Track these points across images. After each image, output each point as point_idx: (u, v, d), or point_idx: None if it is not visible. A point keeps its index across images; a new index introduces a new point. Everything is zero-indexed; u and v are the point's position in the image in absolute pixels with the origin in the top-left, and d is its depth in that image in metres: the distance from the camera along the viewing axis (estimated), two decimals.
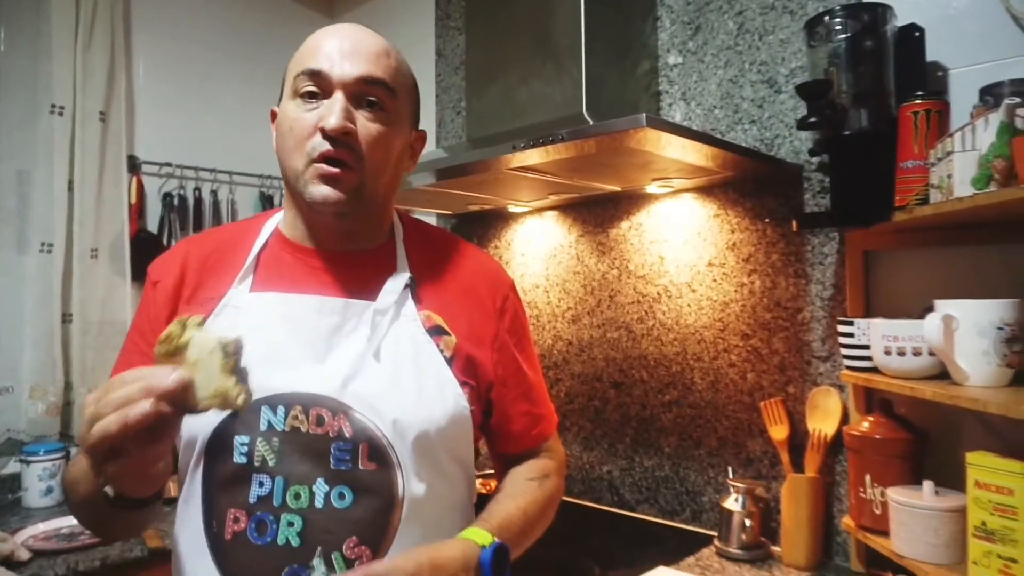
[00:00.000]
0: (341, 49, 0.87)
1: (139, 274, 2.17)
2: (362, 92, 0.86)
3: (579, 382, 1.89)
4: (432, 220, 2.22)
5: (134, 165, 2.19)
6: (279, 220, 0.98)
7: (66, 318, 2.01)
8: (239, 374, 0.67)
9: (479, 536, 0.82)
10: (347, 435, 0.83)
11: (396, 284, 0.92)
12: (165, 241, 2.26)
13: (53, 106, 1.96)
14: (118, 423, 0.62)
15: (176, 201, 2.29)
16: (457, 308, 0.95)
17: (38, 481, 1.86)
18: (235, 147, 2.44)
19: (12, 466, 1.95)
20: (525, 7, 1.67)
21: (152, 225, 2.26)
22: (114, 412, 0.62)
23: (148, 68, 2.26)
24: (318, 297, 0.90)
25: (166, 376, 0.64)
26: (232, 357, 0.67)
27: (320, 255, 0.93)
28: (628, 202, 1.79)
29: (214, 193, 2.38)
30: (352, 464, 0.82)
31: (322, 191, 0.84)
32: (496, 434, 0.99)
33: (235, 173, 2.42)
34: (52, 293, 1.97)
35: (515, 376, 0.98)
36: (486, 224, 2.12)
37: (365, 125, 0.86)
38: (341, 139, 0.83)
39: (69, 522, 1.69)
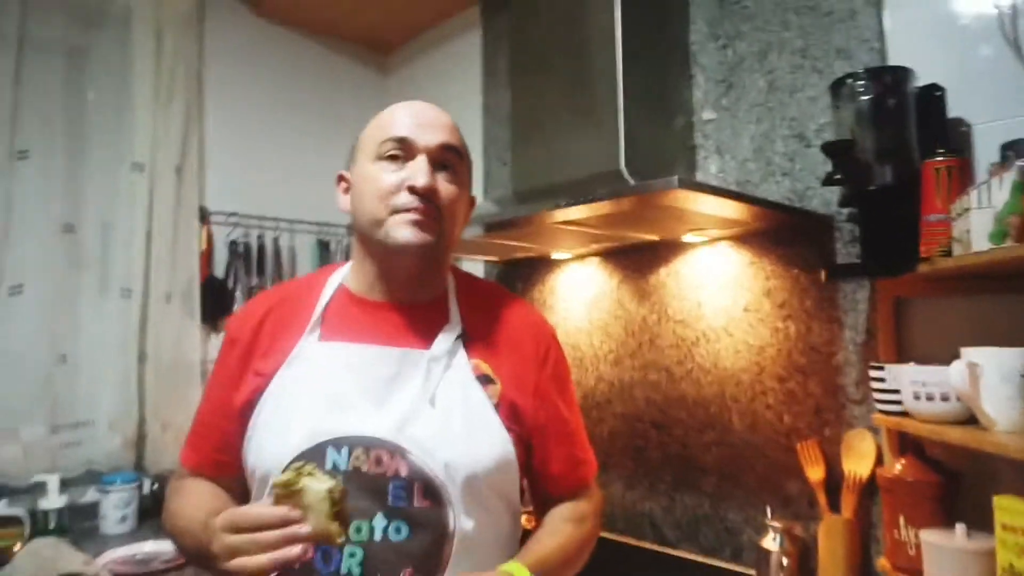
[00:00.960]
0: (420, 121, 1.00)
1: (208, 317, 2.34)
2: (440, 158, 0.99)
3: (621, 422, 1.96)
4: (480, 266, 2.33)
5: (204, 215, 2.37)
6: (343, 275, 1.09)
7: (142, 357, 2.17)
8: (342, 517, 0.81)
9: (519, 571, 0.89)
10: (403, 475, 0.91)
11: (449, 335, 1.01)
12: (231, 285, 2.42)
13: (135, 163, 2.16)
14: (270, 562, 0.76)
15: (241, 248, 2.46)
16: (503, 357, 1.03)
17: (114, 509, 1.99)
18: (294, 196, 2.60)
19: (90, 495, 2.09)
20: (565, 66, 1.79)
21: (219, 270, 2.42)
22: (264, 552, 0.77)
23: (216, 124, 2.45)
24: (379, 347, 0.99)
25: (302, 530, 0.78)
26: (338, 505, 0.80)
27: (381, 308, 1.02)
28: (666, 250, 1.87)
29: (275, 240, 2.54)
30: (408, 501, 0.91)
31: (408, 234, 0.95)
32: (537, 476, 1.06)
33: (294, 221, 2.58)
34: (130, 334, 2.13)
35: (556, 422, 1.05)
36: (531, 270, 2.23)
37: (444, 185, 0.98)
38: (427, 196, 0.95)
39: (144, 548, 1.83)
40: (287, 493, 0.80)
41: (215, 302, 2.37)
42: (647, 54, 1.72)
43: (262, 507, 0.80)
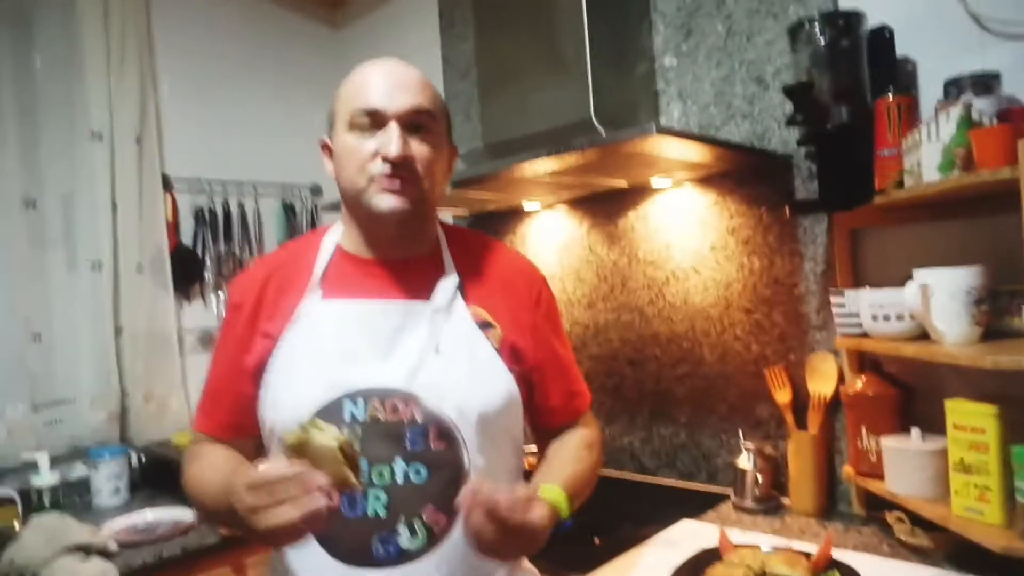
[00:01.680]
0: (389, 85, 1.01)
1: (180, 285, 2.33)
2: (412, 121, 1.00)
3: (597, 362, 2.06)
4: (449, 220, 2.37)
5: (167, 183, 2.33)
6: (337, 237, 1.13)
7: (117, 331, 2.16)
8: (353, 464, 0.85)
9: (556, 492, 0.96)
10: (419, 420, 0.97)
11: (447, 285, 1.06)
12: (200, 253, 2.41)
13: (92, 132, 2.11)
14: (299, 515, 0.78)
15: (207, 214, 2.44)
16: (499, 302, 1.09)
17: (106, 482, 2.02)
18: (257, 159, 2.59)
19: (78, 470, 2.11)
20: (530, 18, 1.81)
21: (186, 238, 2.41)
22: (288, 504, 0.79)
23: (171, 89, 2.40)
24: (381, 301, 1.04)
25: (318, 477, 0.80)
26: (348, 453, 0.84)
27: (378, 264, 1.07)
28: (634, 195, 1.95)
29: (241, 204, 2.53)
30: (424, 445, 0.97)
31: (388, 202, 0.99)
32: (538, 410, 1.13)
33: (259, 184, 2.57)
34: (104, 308, 2.13)
35: (552, 358, 1.12)
36: (501, 222, 2.28)
37: (418, 148, 1.00)
38: (401, 163, 0.98)
39: (145, 517, 1.86)
40: (298, 452, 0.84)
41: (185, 271, 2.36)
42: (608, 2, 1.75)
43: (278, 465, 0.82)
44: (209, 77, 2.50)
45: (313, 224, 2.71)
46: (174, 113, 2.40)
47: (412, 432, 0.97)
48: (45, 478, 1.90)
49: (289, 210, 2.65)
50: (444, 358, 1.02)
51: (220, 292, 2.47)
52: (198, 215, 2.43)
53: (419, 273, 1.07)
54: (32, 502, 1.88)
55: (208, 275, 2.45)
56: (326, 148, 1.09)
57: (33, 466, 1.91)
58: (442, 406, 0.98)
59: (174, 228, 2.34)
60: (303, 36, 2.78)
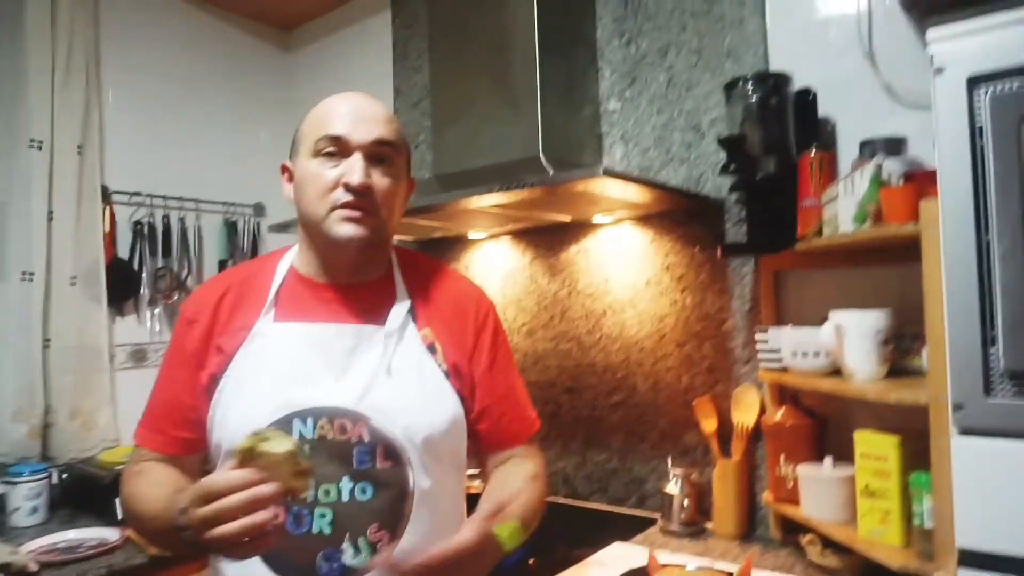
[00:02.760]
0: (355, 116, 1.04)
1: (114, 299, 2.28)
2: (375, 152, 1.04)
3: (535, 389, 2.12)
4: None
5: (106, 195, 2.29)
6: (292, 259, 1.16)
7: (45, 343, 2.10)
8: (303, 474, 0.85)
9: (508, 537, 0.94)
10: (366, 439, 1.00)
11: (400, 309, 1.10)
12: (137, 267, 2.37)
13: (32, 140, 2.06)
14: (246, 526, 0.78)
15: (146, 229, 2.40)
16: (448, 326, 1.13)
17: (24, 501, 1.93)
18: (200, 176, 2.57)
19: None
20: (485, 55, 1.90)
21: (123, 252, 2.36)
22: (238, 520, 0.78)
23: (116, 101, 2.37)
24: (334, 324, 1.07)
25: (269, 488, 0.80)
26: (299, 463, 0.84)
27: (331, 288, 1.10)
28: (576, 230, 2.04)
29: (181, 220, 2.50)
30: (371, 464, 1.00)
31: (347, 230, 1.02)
32: (482, 435, 1.15)
33: (201, 201, 2.54)
34: (32, 319, 2.06)
35: (499, 384, 1.15)
36: (446, 249, 2.34)
37: (379, 179, 1.04)
38: (362, 192, 1.02)
39: (64, 536, 1.81)
40: (248, 458, 0.82)
41: (121, 285, 2.31)
42: (559, 46, 1.86)
43: (226, 473, 0.81)
44: (156, 92, 2.48)
45: (255, 243, 2.69)
46: (118, 126, 2.36)
47: (359, 451, 1.00)
48: None
49: (231, 228, 2.63)
50: (394, 380, 1.05)
51: (156, 308, 2.43)
52: (137, 229, 2.39)
53: (371, 297, 1.10)
54: None
55: (144, 290, 2.40)
56: (286, 172, 1.12)
57: None
58: (390, 427, 1.01)
59: (111, 241, 2.29)
60: (254, 57, 2.79)
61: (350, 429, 1.01)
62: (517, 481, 1.11)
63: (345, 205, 1.02)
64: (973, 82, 0.84)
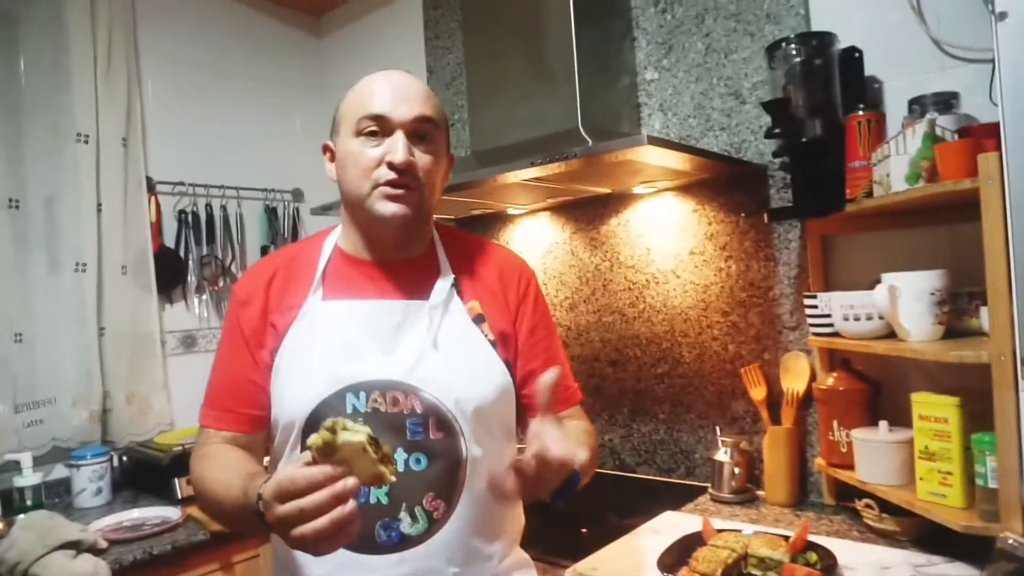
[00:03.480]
0: (395, 94, 1.05)
1: (162, 287, 2.34)
2: (416, 130, 1.05)
3: (579, 363, 2.13)
4: None
5: (151, 185, 2.34)
6: (337, 238, 1.17)
7: (100, 332, 2.16)
8: (385, 458, 0.83)
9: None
10: (419, 411, 1.02)
11: (444, 284, 1.11)
12: (182, 255, 2.42)
13: (79, 135, 2.11)
14: (330, 524, 0.76)
15: (190, 218, 2.45)
16: (492, 298, 1.14)
17: (88, 483, 2.01)
18: (239, 164, 2.60)
19: (59, 471, 2.10)
20: (519, 30, 1.89)
21: (169, 241, 2.41)
22: (322, 517, 0.76)
23: (155, 93, 2.41)
24: (382, 301, 1.09)
25: (351, 483, 0.78)
26: (379, 450, 0.82)
27: (377, 266, 1.11)
28: (616, 201, 2.03)
29: (223, 208, 2.54)
30: (424, 434, 1.02)
31: (390, 208, 1.03)
32: (527, 401, 1.16)
33: (241, 188, 2.58)
34: (87, 309, 2.12)
35: (540, 350, 1.17)
36: (485, 226, 2.34)
37: (421, 156, 1.05)
38: (406, 170, 1.03)
39: (128, 515, 1.88)
40: (327, 451, 0.79)
41: (168, 273, 2.37)
42: (594, 17, 1.84)
43: (306, 470, 0.78)
44: (193, 82, 2.52)
45: (295, 228, 2.73)
46: (158, 117, 2.41)
47: (412, 423, 1.02)
48: (27, 478, 1.89)
49: (271, 214, 2.67)
50: (442, 352, 1.06)
51: (203, 295, 2.48)
52: (181, 218, 2.44)
53: (416, 274, 1.12)
54: (14, 502, 1.87)
55: (191, 277, 2.45)
56: (328, 151, 1.13)
57: (15, 466, 1.90)
58: (441, 397, 1.03)
59: (158, 230, 2.35)
60: (287, 44, 2.82)
61: (402, 401, 1.03)
62: (572, 432, 1.12)
63: (388, 183, 1.03)
64: None
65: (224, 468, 1.03)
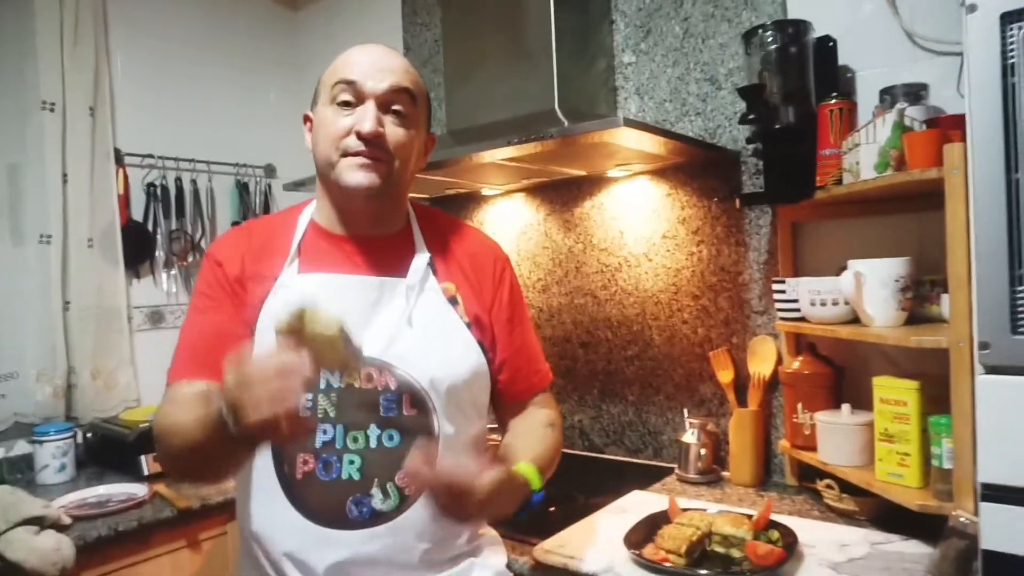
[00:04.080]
0: (372, 64, 1.05)
1: (130, 261, 2.29)
2: (390, 101, 1.04)
3: (550, 344, 2.14)
4: None
5: (119, 157, 2.29)
6: (312, 211, 1.16)
7: (65, 306, 2.12)
8: (352, 351, 0.85)
9: (529, 469, 1.02)
10: (392, 388, 1.03)
11: (420, 263, 1.11)
12: (151, 229, 2.38)
13: (44, 102, 2.05)
14: (281, 408, 0.76)
15: (159, 191, 2.40)
16: (467, 279, 1.15)
17: (52, 459, 1.97)
18: (210, 137, 2.55)
19: (20, 447, 2.06)
20: (497, 9, 1.88)
21: (137, 214, 2.36)
22: (271, 401, 0.76)
23: (125, 63, 2.35)
24: (358, 276, 1.08)
25: (304, 368, 0.78)
26: (349, 342, 0.84)
27: (352, 241, 1.11)
28: (591, 184, 2.04)
29: (194, 182, 2.50)
30: (398, 411, 1.03)
31: (357, 177, 1.02)
32: (501, 386, 1.18)
33: (212, 162, 2.54)
34: (52, 282, 2.07)
35: (516, 337, 1.18)
36: (460, 206, 2.33)
37: (392, 129, 1.04)
38: (373, 140, 1.02)
39: (94, 492, 1.85)
40: (296, 336, 0.79)
41: (136, 247, 2.32)
42: None
43: (262, 360, 0.79)
44: (164, 54, 2.45)
45: (267, 204, 2.69)
46: (128, 88, 2.34)
47: (386, 399, 1.02)
48: None
49: (243, 189, 2.63)
50: (417, 330, 1.07)
51: (171, 270, 2.44)
52: (150, 191, 2.39)
53: (392, 250, 1.12)
54: None
55: (159, 252, 2.41)
56: (308, 121, 1.12)
57: None
58: (415, 375, 1.04)
59: (125, 203, 2.30)
60: (261, 16, 2.76)
61: (376, 378, 1.03)
62: (535, 429, 1.16)
63: (356, 153, 1.02)
64: (1006, 18, 0.83)
65: (186, 401, 0.98)
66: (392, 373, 1.04)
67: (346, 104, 1.04)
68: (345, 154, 1.03)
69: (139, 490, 1.83)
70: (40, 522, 1.56)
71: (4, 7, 2.03)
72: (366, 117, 1.02)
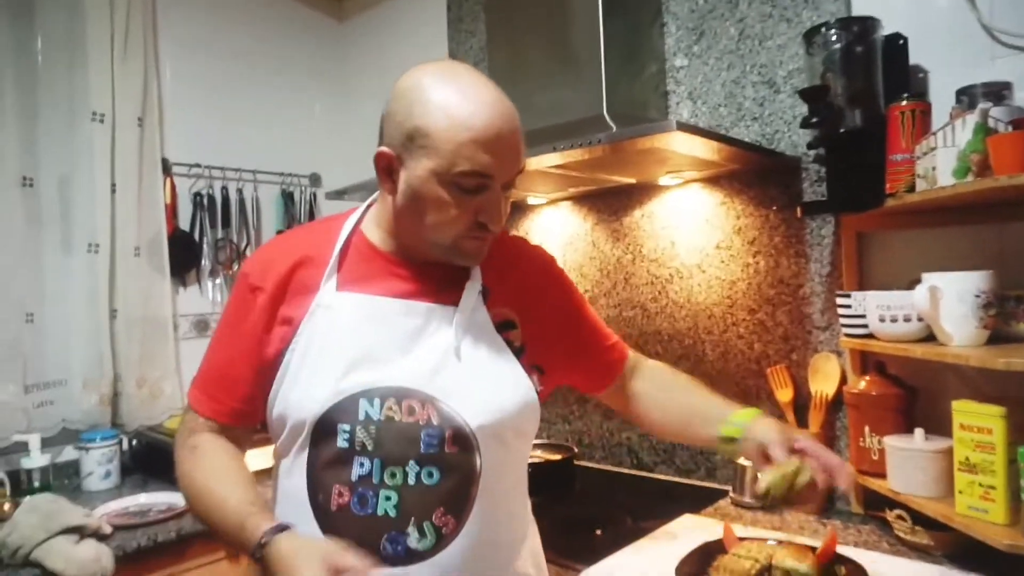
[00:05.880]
0: (503, 145, 0.92)
1: (176, 270, 2.31)
2: (510, 182, 0.97)
3: None
4: None
5: (166, 167, 2.31)
6: (355, 221, 1.08)
7: (112, 314, 2.13)
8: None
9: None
10: (435, 423, 0.95)
11: (472, 290, 1.03)
12: (197, 238, 2.39)
13: (94, 114, 2.08)
14: None
15: (205, 200, 2.42)
16: (518, 296, 1.07)
17: (97, 466, 1.98)
18: (256, 147, 2.57)
19: (67, 453, 2.08)
20: (544, 15, 1.82)
21: (184, 223, 2.38)
22: None
23: (174, 74, 2.37)
24: (404, 301, 1.00)
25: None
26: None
27: (402, 264, 1.03)
28: (640, 192, 1.96)
29: (239, 191, 2.51)
30: (439, 448, 0.95)
31: (471, 258, 0.99)
32: (589, 375, 1.17)
33: (258, 172, 2.55)
34: (99, 291, 2.09)
35: (582, 327, 1.15)
36: None
37: (505, 206, 0.98)
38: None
39: (135, 500, 1.85)
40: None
41: (182, 256, 2.34)
42: (622, 1, 1.77)
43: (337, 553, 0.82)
44: (212, 64, 2.48)
45: (311, 213, 2.69)
46: (176, 98, 2.37)
47: (427, 435, 0.95)
48: (35, 460, 1.88)
49: (288, 198, 2.63)
50: (465, 363, 1.00)
51: (216, 278, 2.45)
52: (196, 200, 2.40)
53: (442, 275, 1.03)
54: (21, 484, 1.86)
55: (205, 261, 2.42)
56: (385, 160, 0.97)
57: (23, 447, 1.89)
58: (460, 411, 0.97)
59: (172, 212, 2.31)
60: (307, 27, 2.77)
61: (418, 411, 0.96)
62: (681, 381, 1.23)
63: (475, 238, 0.97)
64: None
65: (216, 474, 0.98)
66: (435, 407, 0.96)
67: (470, 191, 0.94)
68: (461, 235, 0.96)
69: (180, 500, 1.81)
70: (80, 531, 1.56)
71: (55, 20, 2.06)
72: (495, 211, 0.95)
